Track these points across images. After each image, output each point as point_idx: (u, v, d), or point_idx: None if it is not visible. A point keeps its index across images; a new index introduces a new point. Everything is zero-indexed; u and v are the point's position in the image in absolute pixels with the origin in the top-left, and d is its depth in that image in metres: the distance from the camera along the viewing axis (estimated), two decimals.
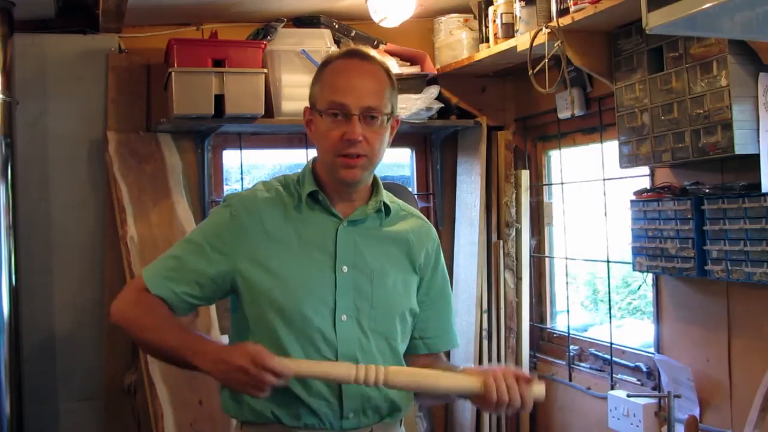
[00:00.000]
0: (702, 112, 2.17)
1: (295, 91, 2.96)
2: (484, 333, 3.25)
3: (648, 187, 2.53)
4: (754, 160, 2.09)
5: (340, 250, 1.68)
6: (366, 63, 1.68)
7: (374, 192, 1.76)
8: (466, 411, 3.26)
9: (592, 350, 3.01)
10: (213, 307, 2.85)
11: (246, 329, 1.67)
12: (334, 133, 1.63)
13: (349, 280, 1.67)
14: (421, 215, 1.86)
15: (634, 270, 2.55)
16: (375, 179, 1.78)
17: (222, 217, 1.69)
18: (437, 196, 3.47)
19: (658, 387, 2.61)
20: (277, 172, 3.61)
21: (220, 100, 2.79)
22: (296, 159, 3.45)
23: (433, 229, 1.86)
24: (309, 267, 1.65)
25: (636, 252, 2.50)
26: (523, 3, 2.69)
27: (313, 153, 3.34)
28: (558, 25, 2.45)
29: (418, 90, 3.11)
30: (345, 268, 1.67)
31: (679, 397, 2.37)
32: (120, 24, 2.95)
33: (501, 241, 3.30)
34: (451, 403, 1.83)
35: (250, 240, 1.65)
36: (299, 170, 1.77)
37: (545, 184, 3.34)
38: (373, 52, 1.72)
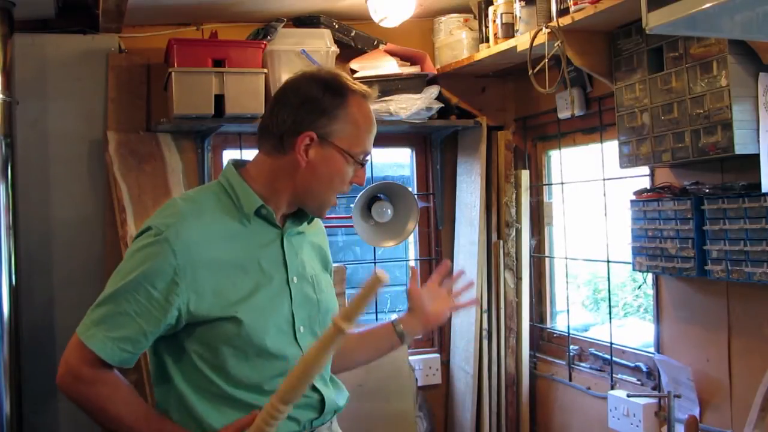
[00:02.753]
0: (702, 112, 2.17)
1: None
2: (484, 333, 3.25)
3: (648, 187, 2.53)
4: (754, 160, 2.09)
5: (289, 261, 1.65)
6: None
7: None
8: (466, 411, 3.26)
9: (592, 350, 3.01)
10: None
11: (183, 364, 1.58)
12: (348, 177, 1.63)
13: (299, 290, 1.65)
14: None
15: (634, 270, 2.55)
16: None
17: (159, 254, 1.50)
18: (437, 196, 3.47)
19: (658, 387, 2.61)
20: None
21: (220, 100, 2.79)
22: None
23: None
24: (265, 284, 1.59)
25: (636, 252, 2.50)
26: (523, 3, 2.69)
27: None
28: (558, 25, 2.45)
29: (418, 90, 3.11)
30: (295, 279, 1.65)
31: (679, 397, 2.38)
32: (120, 24, 2.95)
33: (501, 241, 3.30)
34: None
35: (199, 274, 1.51)
36: (212, 182, 1.69)
37: (545, 184, 3.34)
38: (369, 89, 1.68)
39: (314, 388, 1.64)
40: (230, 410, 1.57)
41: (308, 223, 1.74)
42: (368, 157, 1.65)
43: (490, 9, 2.92)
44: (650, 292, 2.67)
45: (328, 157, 1.61)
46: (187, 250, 1.51)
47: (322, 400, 1.66)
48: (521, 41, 2.69)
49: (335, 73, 1.66)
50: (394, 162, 3.73)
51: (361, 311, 1.52)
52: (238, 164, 1.68)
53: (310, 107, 1.60)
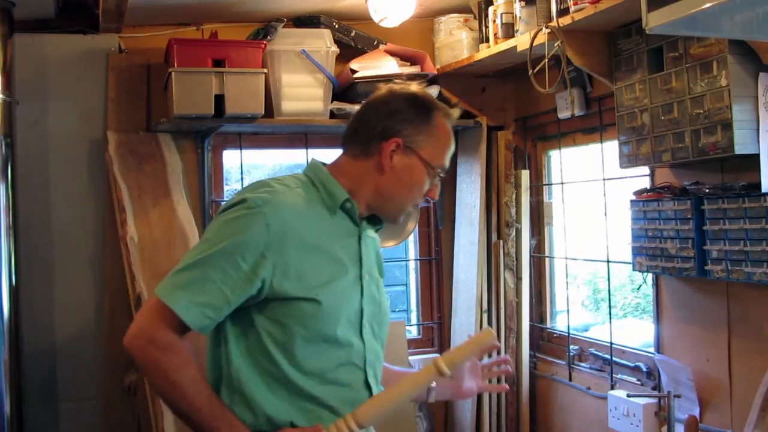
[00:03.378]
0: (702, 112, 2.17)
1: (295, 91, 2.96)
2: None
3: (648, 187, 2.53)
4: (754, 160, 2.09)
5: (364, 258, 1.72)
6: None
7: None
8: (466, 411, 3.26)
9: (592, 350, 3.01)
10: None
11: (248, 340, 1.60)
12: (426, 187, 1.72)
13: (368, 288, 1.71)
14: None
15: (634, 270, 2.55)
16: None
17: (254, 225, 1.54)
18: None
19: (658, 387, 2.61)
20: (277, 172, 3.62)
21: (220, 100, 2.79)
22: (296, 159, 3.45)
23: None
24: (344, 274, 1.66)
25: (636, 252, 2.50)
26: (523, 3, 2.69)
27: (314, 153, 3.36)
28: (558, 25, 2.45)
29: None
30: (366, 276, 1.71)
31: (679, 397, 2.37)
32: (120, 24, 2.95)
33: (501, 241, 3.30)
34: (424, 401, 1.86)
35: (287, 251, 1.56)
36: (301, 172, 1.74)
37: (545, 184, 3.34)
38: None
39: (367, 385, 1.69)
40: (285, 394, 1.59)
41: (375, 231, 1.82)
42: (444, 174, 1.74)
43: (490, 9, 2.92)
44: (650, 292, 2.67)
45: (410, 166, 1.70)
46: (280, 227, 1.55)
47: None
48: (521, 41, 2.68)
49: (421, 90, 1.78)
50: None
51: (465, 361, 1.65)
52: (324, 165, 1.76)
53: (399, 117, 1.69)
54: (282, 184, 1.65)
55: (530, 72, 2.62)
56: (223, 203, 1.67)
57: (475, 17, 3.15)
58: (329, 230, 1.66)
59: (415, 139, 1.69)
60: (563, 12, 2.44)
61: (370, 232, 1.81)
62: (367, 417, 1.59)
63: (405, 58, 3.21)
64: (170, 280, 1.55)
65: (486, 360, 2.03)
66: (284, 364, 1.58)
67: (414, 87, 1.76)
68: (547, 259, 3.35)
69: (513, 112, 3.44)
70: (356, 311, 1.67)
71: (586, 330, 3.21)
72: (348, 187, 1.69)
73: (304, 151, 3.30)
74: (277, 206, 1.57)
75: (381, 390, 1.72)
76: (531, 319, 3.32)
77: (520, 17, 2.71)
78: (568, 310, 3.24)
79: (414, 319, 3.59)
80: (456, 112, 1.78)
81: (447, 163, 1.74)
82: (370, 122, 1.70)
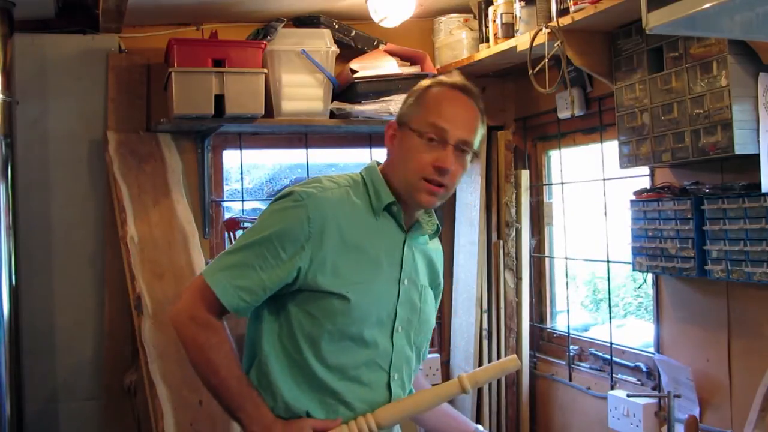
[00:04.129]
0: (702, 112, 2.17)
1: (295, 91, 2.96)
2: (484, 333, 3.25)
3: (648, 187, 2.53)
4: (754, 160, 2.09)
5: (405, 263, 1.72)
6: (469, 99, 1.72)
7: (427, 211, 1.81)
8: (466, 411, 3.25)
9: (592, 350, 3.01)
10: None
11: (281, 326, 1.66)
12: (425, 156, 1.65)
13: (407, 293, 1.72)
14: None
15: (634, 270, 2.55)
16: None
17: (296, 217, 1.61)
18: None
19: (658, 387, 2.61)
20: (277, 172, 3.61)
21: (220, 100, 2.79)
22: (296, 159, 3.45)
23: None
24: (380, 276, 1.67)
25: (636, 252, 2.50)
26: (523, 3, 2.69)
27: (314, 153, 3.36)
28: (558, 25, 2.45)
29: None
30: (406, 281, 1.72)
31: (679, 397, 2.37)
32: (120, 24, 2.95)
33: (501, 241, 3.30)
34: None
35: (325, 246, 1.61)
36: (359, 171, 1.78)
37: (545, 184, 3.34)
38: (474, 90, 1.75)
39: (388, 388, 1.70)
40: (306, 385, 1.63)
41: (430, 238, 1.82)
42: (444, 137, 1.65)
43: (490, 9, 2.92)
44: (650, 292, 2.67)
45: (403, 138, 1.70)
46: (321, 222, 1.61)
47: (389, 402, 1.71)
48: (521, 41, 2.68)
49: (442, 78, 1.76)
50: None
51: (487, 381, 1.69)
52: (380, 164, 1.78)
53: (404, 103, 1.75)
54: (332, 181, 1.71)
55: (530, 72, 2.62)
56: (275, 194, 1.74)
57: (475, 17, 3.15)
58: (371, 231, 1.68)
59: (405, 114, 1.72)
60: (563, 12, 2.44)
61: (432, 243, 1.83)
62: (387, 419, 1.64)
63: (405, 58, 3.21)
64: (216, 262, 1.64)
65: None
66: (309, 355, 1.62)
67: (440, 78, 1.77)
68: (547, 259, 3.35)
69: (513, 112, 3.44)
70: (389, 314, 1.68)
71: (586, 330, 3.21)
72: (392, 186, 1.71)
73: (304, 151, 3.30)
74: (320, 201, 1.63)
75: (405, 395, 1.74)
76: (531, 319, 3.32)
77: (520, 17, 2.71)
78: (568, 310, 3.24)
79: None
80: (456, 75, 1.75)
81: (440, 122, 1.66)
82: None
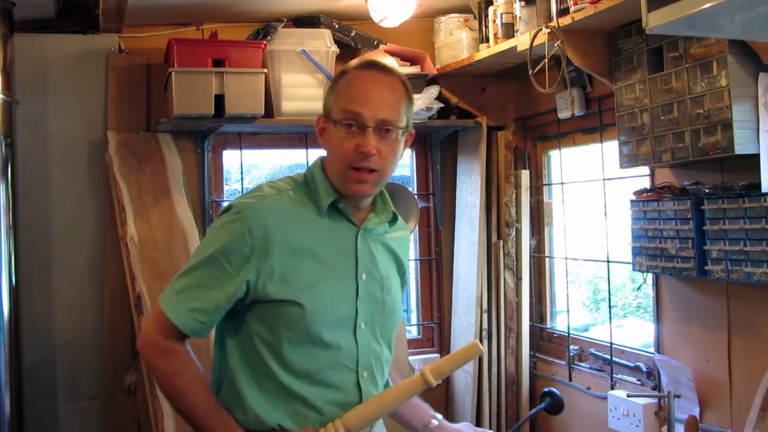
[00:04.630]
0: (702, 112, 2.17)
1: (295, 91, 2.96)
2: (484, 333, 3.25)
3: (648, 187, 2.53)
4: (754, 160, 2.09)
5: (360, 258, 1.69)
6: (383, 75, 1.66)
7: (382, 200, 1.77)
8: (466, 412, 3.26)
9: (592, 350, 3.01)
10: None
11: (242, 340, 1.64)
12: (347, 144, 1.61)
13: (366, 288, 1.69)
14: (402, 220, 1.89)
15: (634, 270, 2.55)
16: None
17: (236, 231, 1.59)
18: (437, 196, 3.47)
19: (658, 387, 2.61)
20: (277, 172, 3.61)
21: (220, 100, 2.79)
22: (296, 159, 3.45)
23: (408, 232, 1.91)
24: (332, 276, 1.65)
25: (636, 252, 2.50)
26: (523, 3, 2.69)
27: (314, 153, 3.36)
28: (558, 25, 2.45)
29: (418, 90, 3.11)
30: (364, 276, 1.69)
31: (679, 397, 2.37)
32: (120, 24, 2.95)
33: (501, 241, 3.30)
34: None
35: (270, 255, 1.58)
36: (301, 172, 1.75)
37: (545, 184, 3.34)
38: (391, 64, 1.70)
39: (358, 387, 1.68)
40: (275, 396, 1.62)
41: (390, 226, 1.78)
42: (360, 121, 1.60)
43: (490, 9, 2.92)
44: (650, 292, 2.67)
45: (328, 131, 1.67)
46: (263, 231, 1.58)
47: (360, 402, 1.68)
48: (521, 41, 2.68)
49: (363, 59, 1.73)
50: None
51: (451, 371, 1.70)
52: (324, 159, 1.74)
53: (326, 92, 1.71)
54: (274, 187, 1.67)
55: (530, 72, 2.62)
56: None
57: (475, 17, 3.15)
58: (318, 231, 1.65)
59: (326, 106, 1.68)
60: (563, 12, 2.44)
61: (394, 232, 1.80)
62: (355, 424, 1.62)
63: (405, 58, 3.21)
64: (170, 286, 1.63)
65: None
66: (273, 364, 1.61)
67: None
68: (547, 259, 3.35)
69: (513, 112, 3.44)
70: (348, 312, 1.65)
71: (586, 330, 3.21)
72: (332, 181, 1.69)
73: (304, 151, 3.30)
74: (259, 211, 1.60)
75: (378, 391, 1.72)
76: (531, 319, 3.32)
77: (520, 17, 2.71)
78: (568, 310, 3.24)
79: (414, 319, 3.59)
80: (375, 59, 1.72)
81: (354, 107, 1.60)
82: None
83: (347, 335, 1.65)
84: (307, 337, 1.60)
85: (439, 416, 1.88)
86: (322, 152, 1.75)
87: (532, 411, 2.40)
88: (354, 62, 1.71)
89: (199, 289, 1.59)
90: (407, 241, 1.89)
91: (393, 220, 1.79)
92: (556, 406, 2.04)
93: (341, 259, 1.66)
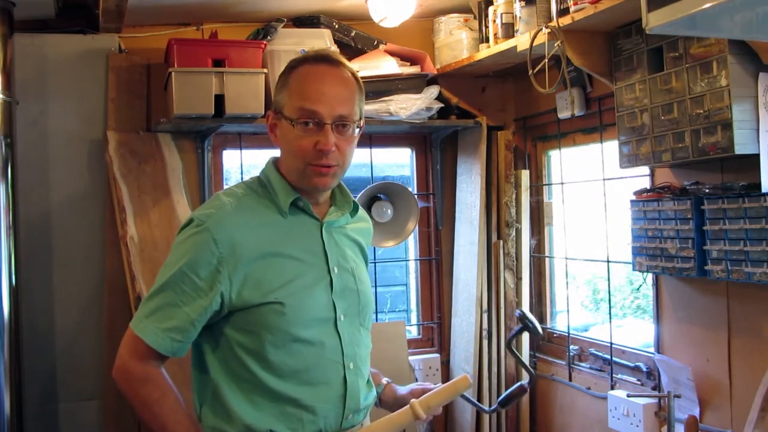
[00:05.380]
0: (702, 112, 2.17)
1: None
2: (484, 333, 3.25)
3: (648, 187, 2.53)
4: (754, 160, 2.09)
5: (329, 252, 1.68)
6: (335, 68, 1.64)
7: (341, 192, 1.77)
8: (466, 412, 3.26)
9: (592, 350, 3.01)
10: None
11: (222, 352, 1.63)
12: (305, 142, 1.60)
13: (340, 280, 1.69)
14: (363, 210, 1.90)
15: (634, 270, 2.55)
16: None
17: (202, 243, 1.56)
18: (437, 196, 3.47)
19: (658, 387, 2.61)
20: None
21: (220, 100, 2.79)
22: None
23: (370, 220, 1.92)
24: (306, 273, 1.64)
25: (636, 252, 2.50)
26: (523, 3, 2.69)
27: None
28: (558, 25, 2.45)
29: (418, 90, 3.11)
30: (335, 269, 1.69)
31: (679, 397, 2.37)
32: (120, 24, 2.95)
33: (501, 241, 3.30)
34: None
35: (240, 262, 1.57)
36: (254, 176, 1.73)
37: (545, 184, 3.34)
38: (339, 56, 1.68)
39: (344, 380, 1.67)
40: (263, 402, 1.60)
41: (351, 216, 1.78)
42: (317, 118, 1.59)
43: (490, 9, 2.92)
44: (650, 292, 2.67)
45: (281, 128, 1.65)
46: (228, 239, 1.56)
47: (345, 395, 1.67)
48: (521, 41, 2.69)
49: (311, 52, 1.68)
50: (394, 162, 3.73)
51: (440, 405, 1.70)
52: (277, 160, 1.73)
53: (276, 87, 1.67)
54: (230, 195, 1.66)
55: (530, 72, 2.62)
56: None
57: (475, 17, 3.15)
58: (283, 232, 1.65)
59: (277, 101, 1.65)
60: (563, 12, 2.44)
61: (356, 222, 1.80)
62: None
63: (405, 58, 3.21)
64: (140, 309, 1.60)
65: None
66: (258, 370, 1.59)
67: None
68: (547, 259, 3.35)
69: (513, 112, 3.44)
70: (326, 307, 1.65)
71: (586, 330, 3.21)
72: (287, 178, 1.67)
73: None
74: (221, 220, 1.58)
75: (362, 382, 1.71)
76: None
77: (520, 17, 2.71)
78: (568, 310, 3.24)
79: (414, 319, 3.59)
80: (325, 52, 1.67)
81: (310, 104, 1.59)
82: None
83: (329, 329, 1.65)
84: (289, 336, 1.59)
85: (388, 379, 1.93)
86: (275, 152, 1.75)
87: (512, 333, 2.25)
88: (303, 55, 1.67)
89: (171, 308, 1.56)
90: (370, 231, 1.90)
91: (354, 210, 1.79)
92: (530, 328, 2.02)
93: (310, 255, 1.66)
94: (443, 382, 3.44)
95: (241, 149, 3.23)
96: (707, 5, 1.44)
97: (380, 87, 3.01)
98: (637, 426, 2.58)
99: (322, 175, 1.62)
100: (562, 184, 3.22)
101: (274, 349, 1.59)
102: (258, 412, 1.59)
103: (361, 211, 1.86)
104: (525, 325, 2.04)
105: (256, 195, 1.67)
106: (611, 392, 2.73)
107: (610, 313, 2.89)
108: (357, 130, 1.67)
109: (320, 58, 1.65)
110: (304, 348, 1.61)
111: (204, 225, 1.57)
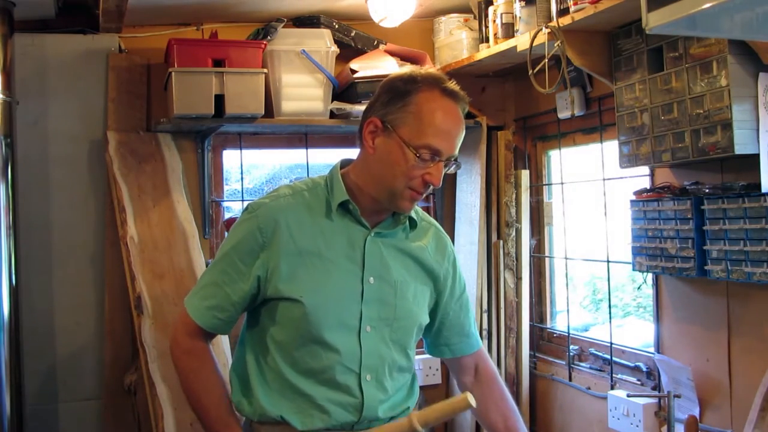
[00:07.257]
0: (702, 112, 2.17)
1: (295, 91, 2.96)
2: (484, 333, 3.25)
3: (648, 187, 2.53)
4: (754, 160, 2.09)
5: (368, 261, 1.69)
6: (459, 107, 1.65)
7: None
8: (466, 412, 3.25)
9: (592, 350, 3.01)
10: None
11: (257, 337, 1.71)
12: (416, 171, 1.61)
13: (375, 291, 1.69)
14: (438, 225, 1.88)
15: (634, 270, 2.55)
16: None
17: (249, 229, 1.66)
18: (437, 196, 3.47)
19: (658, 387, 2.61)
20: (277, 172, 3.61)
21: (220, 100, 2.79)
22: (296, 159, 3.45)
23: (449, 241, 1.88)
24: (337, 277, 1.66)
25: (636, 252, 2.50)
26: (523, 3, 2.69)
27: (314, 153, 3.35)
28: (558, 25, 2.45)
29: None
30: (372, 279, 1.69)
31: (679, 397, 2.37)
32: (120, 24, 2.95)
33: (501, 241, 3.30)
34: None
35: (278, 252, 1.64)
36: (326, 173, 1.75)
37: (545, 184, 3.34)
38: (459, 90, 1.66)
39: (360, 390, 1.68)
40: (281, 391, 1.66)
41: (404, 231, 1.75)
42: (438, 156, 1.61)
43: (490, 9, 2.92)
44: (650, 292, 2.67)
45: (390, 145, 1.62)
46: (272, 229, 1.64)
47: (362, 404, 1.68)
48: (521, 41, 2.68)
49: (413, 71, 1.68)
50: None
51: (439, 421, 1.70)
52: (344, 163, 1.75)
53: (380, 99, 1.65)
54: (291, 187, 1.72)
55: (530, 72, 2.62)
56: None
57: (475, 17, 3.15)
58: (326, 232, 1.67)
59: (393, 118, 1.62)
60: (563, 12, 2.44)
61: (417, 239, 1.78)
62: None
63: (405, 58, 3.21)
64: (195, 287, 1.72)
65: None
66: (280, 360, 1.65)
67: (408, 68, 1.74)
68: (547, 259, 3.35)
69: (513, 112, 3.44)
70: (352, 314, 1.66)
71: (586, 330, 3.21)
72: (353, 187, 1.68)
73: (304, 151, 3.30)
74: (270, 210, 1.67)
75: (383, 395, 1.71)
76: (531, 319, 3.32)
77: (520, 17, 2.71)
78: (568, 310, 3.24)
79: None
80: (463, 97, 1.65)
81: (437, 143, 1.59)
82: (364, 110, 1.71)
83: (351, 337, 1.66)
84: (311, 336, 1.63)
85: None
86: (322, 152, 1.76)
87: None
88: (430, 77, 1.64)
89: (215, 287, 1.67)
90: (443, 246, 1.85)
91: (412, 227, 1.78)
92: None
93: (348, 261, 1.67)
94: (443, 382, 3.46)
95: (241, 149, 3.23)
96: (707, 5, 1.44)
97: None
98: (637, 426, 2.58)
99: (413, 200, 1.66)
100: (562, 184, 3.22)
101: (297, 344, 1.64)
102: (274, 399, 1.65)
103: (433, 232, 1.83)
104: None
105: (315, 192, 1.71)
106: (611, 392, 2.73)
107: (610, 313, 2.89)
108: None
109: (449, 93, 1.64)
110: (322, 350, 1.64)
111: (255, 213, 1.67)
